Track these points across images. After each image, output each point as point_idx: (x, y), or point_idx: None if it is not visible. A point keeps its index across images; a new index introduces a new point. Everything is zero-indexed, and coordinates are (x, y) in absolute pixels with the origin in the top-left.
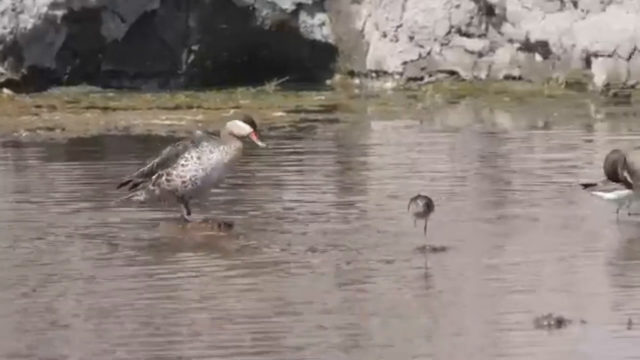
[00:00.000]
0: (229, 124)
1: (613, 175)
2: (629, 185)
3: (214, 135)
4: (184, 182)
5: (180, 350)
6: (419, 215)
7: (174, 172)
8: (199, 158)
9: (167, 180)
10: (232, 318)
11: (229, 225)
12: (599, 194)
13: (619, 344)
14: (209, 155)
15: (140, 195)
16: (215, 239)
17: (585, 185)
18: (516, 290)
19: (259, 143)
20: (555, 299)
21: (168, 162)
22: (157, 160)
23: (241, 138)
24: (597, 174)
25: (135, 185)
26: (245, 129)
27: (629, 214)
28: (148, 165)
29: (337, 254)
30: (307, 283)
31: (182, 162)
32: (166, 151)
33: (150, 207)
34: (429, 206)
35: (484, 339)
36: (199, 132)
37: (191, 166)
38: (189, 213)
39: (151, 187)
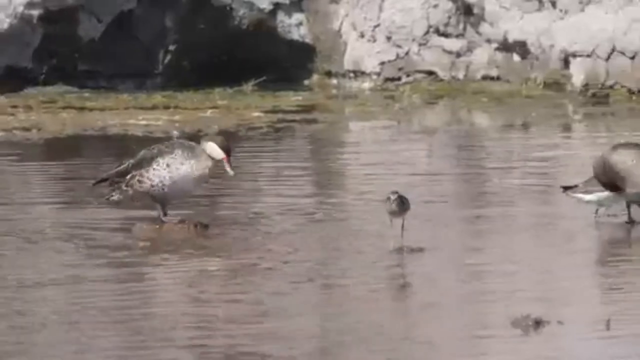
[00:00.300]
0: (205, 143)
1: (603, 177)
2: (616, 188)
3: (192, 144)
4: (152, 185)
5: (157, 355)
6: (394, 214)
7: (146, 175)
8: (168, 165)
9: (139, 182)
10: (209, 321)
11: (204, 226)
12: (579, 195)
13: (596, 345)
14: (177, 166)
15: (115, 196)
16: (191, 239)
17: (566, 188)
18: (494, 291)
19: (229, 171)
20: (533, 299)
21: (142, 164)
22: (132, 161)
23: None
24: (576, 174)
25: (112, 183)
26: (219, 154)
27: (608, 215)
28: (124, 165)
29: (313, 254)
30: (283, 284)
31: (155, 166)
32: (142, 153)
33: (126, 207)
34: (404, 205)
35: (462, 340)
36: (177, 139)
37: (160, 172)
38: (165, 214)
39: (124, 188)
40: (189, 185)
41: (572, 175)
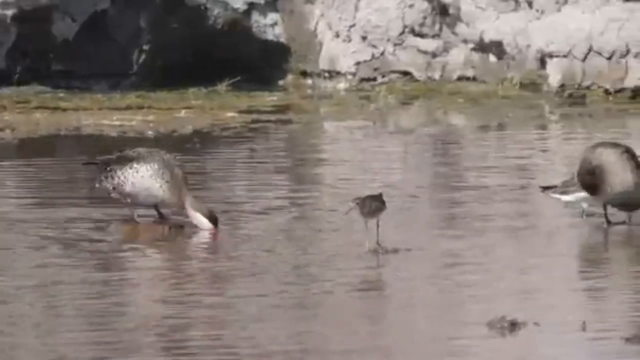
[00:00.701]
0: (194, 209)
1: (587, 178)
2: (595, 190)
3: (174, 166)
4: (117, 184)
5: (131, 356)
6: (369, 215)
7: (117, 172)
8: (135, 172)
9: (112, 177)
10: (179, 324)
11: (179, 227)
12: (558, 196)
13: (572, 347)
14: (139, 179)
15: (97, 184)
16: (165, 240)
17: (545, 188)
18: (470, 292)
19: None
20: (509, 301)
21: (121, 161)
22: (115, 156)
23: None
24: (552, 174)
25: (99, 171)
26: (206, 225)
27: (586, 216)
28: (110, 157)
29: (286, 254)
30: (254, 284)
31: (128, 167)
32: (126, 151)
33: (103, 204)
34: (379, 206)
35: (437, 342)
36: (164, 155)
37: (125, 176)
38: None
39: (102, 178)
40: (148, 200)
41: (549, 176)
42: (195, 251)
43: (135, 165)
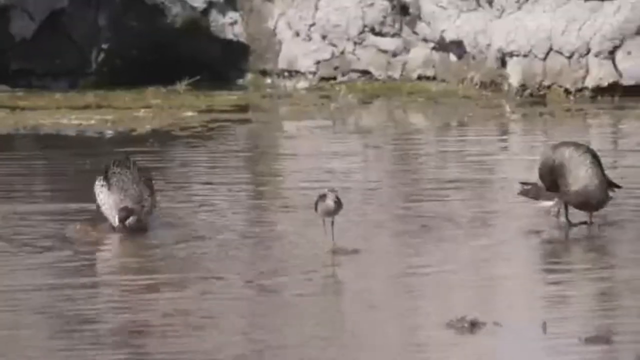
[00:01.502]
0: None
1: (548, 176)
2: (556, 188)
3: (136, 190)
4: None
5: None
6: (327, 213)
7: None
8: (103, 180)
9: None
10: (136, 328)
11: (142, 229)
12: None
13: (533, 347)
14: (100, 193)
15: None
16: (125, 240)
17: (523, 184)
18: (429, 292)
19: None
20: (469, 301)
21: (106, 166)
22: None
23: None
24: (512, 173)
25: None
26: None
27: (553, 216)
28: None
29: (244, 256)
30: (214, 288)
31: (106, 172)
32: (117, 157)
33: (61, 202)
34: (336, 204)
35: (396, 342)
36: (144, 176)
37: (97, 182)
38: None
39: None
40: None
41: (509, 175)
42: (153, 250)
43: (109, 173)
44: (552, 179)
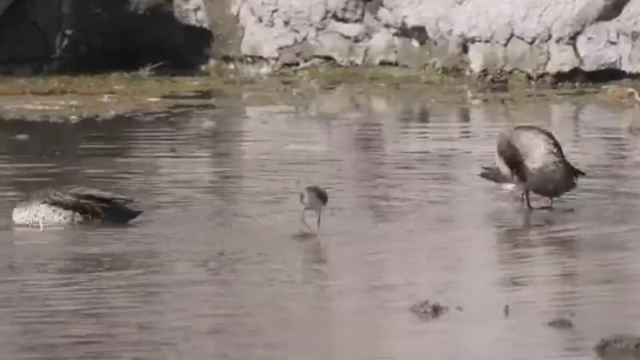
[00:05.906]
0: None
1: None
2: (515, 166)
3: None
4: None
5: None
6: (314, 207)
7: None
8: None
9: None
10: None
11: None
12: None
13: (494, 331)
14: (22, 212)
15: None
16: (85, 229)
17: (485, 169)
18: (393, 277)
19: None
20: (432, 286)
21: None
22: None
23: None
24: (473, 158)
25: None
26: None
27: (513, 201)
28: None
29: (210, 248)
30: (177, 279)
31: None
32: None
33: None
34: (323, 197)
35: (361, 327)
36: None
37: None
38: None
39: None
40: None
41: (470, 161)
42: (114, 240)
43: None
44: (509, 162)
